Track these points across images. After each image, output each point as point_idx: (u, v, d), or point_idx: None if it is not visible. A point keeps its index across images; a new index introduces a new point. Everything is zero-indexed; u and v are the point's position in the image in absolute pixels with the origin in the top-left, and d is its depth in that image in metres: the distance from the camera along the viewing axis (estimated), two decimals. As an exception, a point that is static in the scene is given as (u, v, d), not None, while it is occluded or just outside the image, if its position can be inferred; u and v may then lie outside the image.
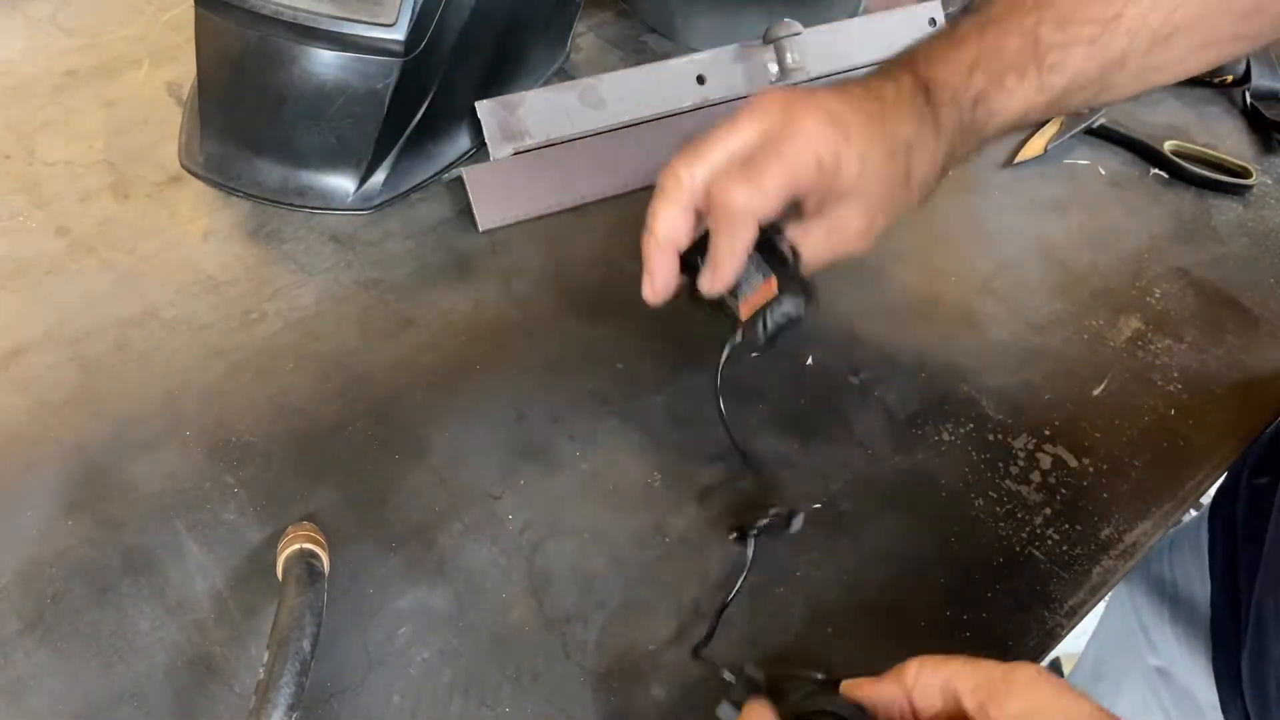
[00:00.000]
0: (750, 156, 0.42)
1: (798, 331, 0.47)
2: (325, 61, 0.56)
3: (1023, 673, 0.31)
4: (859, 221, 0.44)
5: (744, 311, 0.46)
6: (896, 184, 0.44)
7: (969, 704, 0.32)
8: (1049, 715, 0.30)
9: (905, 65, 0.46)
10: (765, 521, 0.45)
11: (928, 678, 0.33)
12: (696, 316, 0.53)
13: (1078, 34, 0.44)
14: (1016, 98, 0.44)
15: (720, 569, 0.46)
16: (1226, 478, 0.57)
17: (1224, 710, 0.60)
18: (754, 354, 0.47)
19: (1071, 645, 0.63)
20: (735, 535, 0.46)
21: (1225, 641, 0.60)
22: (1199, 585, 0.64)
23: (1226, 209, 0.68)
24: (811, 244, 0.45)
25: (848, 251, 0.46)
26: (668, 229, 0.44)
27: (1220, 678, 0.60)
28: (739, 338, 0.47)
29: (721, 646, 0.43)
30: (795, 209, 0.45)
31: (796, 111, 0.42)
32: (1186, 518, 0.55)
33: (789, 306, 0.46)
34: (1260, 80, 0.76)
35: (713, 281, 0.44)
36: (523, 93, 0.61)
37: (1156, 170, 0.70)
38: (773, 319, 0.46)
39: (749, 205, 0.41)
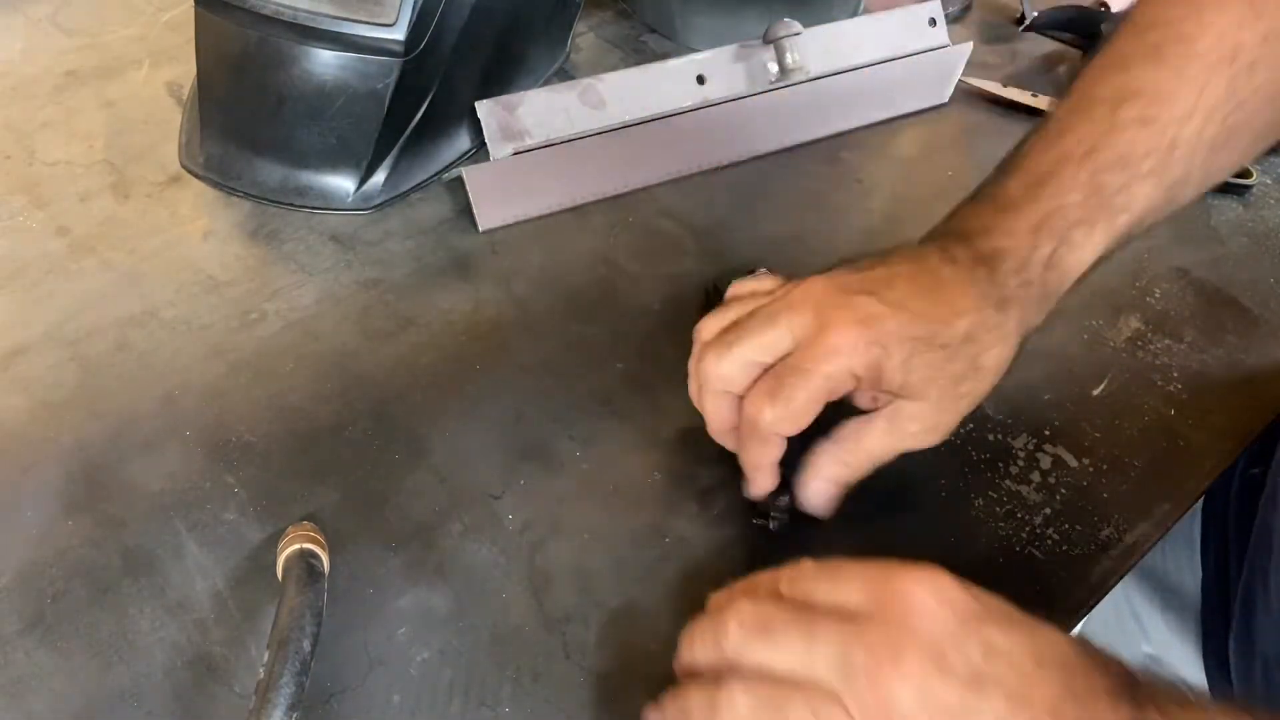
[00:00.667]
0: (779, 370, 0.41)
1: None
2: (325, 61, 0.56)
3: None
4: (918, 422, 0.42)
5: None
6: (959, 378, 0.41)
7: None
8: None
9: (958, 237, 0.43)
10: (786, 500, 0.45)
11: None
12: (696, 317, 0.53)
13: (1138, 170, 0.42)
14: (1087, 250, 0.43)
15: (721, 568, 0.46)
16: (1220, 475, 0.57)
17: (1211, 694, 0.60)
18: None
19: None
20: (759, 519, 0.46)
21: (1215, 630, 0.60)
22: (1189, 575, 0.64)
23: (1226, 209, 0.68)
24: (872, 438, 0.43)
25: (916, 446, 0.43)
26: (719, 420, 0.45)
27: (1209, 666, 0.61)
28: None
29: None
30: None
31: (829, 320, 0.40)
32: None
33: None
34: (1260, 80, 0.76)
35: (750, 489, 0.45)
36: (523, 93, 0.61)
37: (1156, 170, 0.70)
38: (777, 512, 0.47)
39: (776, 427, 0.41)
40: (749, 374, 0.42)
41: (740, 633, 0.34)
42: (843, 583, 0.35)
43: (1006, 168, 0.46)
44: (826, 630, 0.33)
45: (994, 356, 0.42)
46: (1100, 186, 0.42)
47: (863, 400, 0.44)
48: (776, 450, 0.43)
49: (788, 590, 0.36)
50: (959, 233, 0.44)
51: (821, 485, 0.44)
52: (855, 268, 0.43)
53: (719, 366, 0.43)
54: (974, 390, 0.42)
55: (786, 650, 0.33)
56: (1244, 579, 0.55)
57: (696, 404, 0.46)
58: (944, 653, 0.31)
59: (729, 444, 0.46)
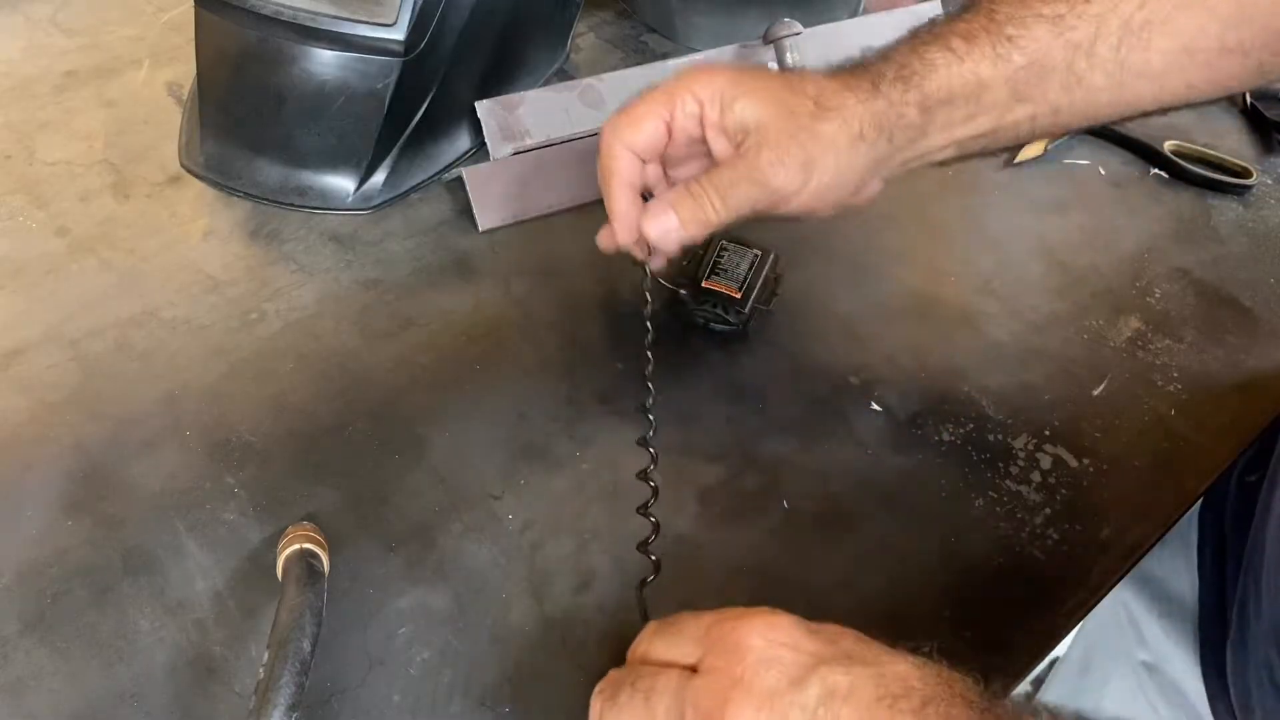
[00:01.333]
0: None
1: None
2: (325, 61, 0.56)
3: None
4: (769, 150, 0.43)
5: (706, 282, 0.54)
6: (795, 110, 0.43)
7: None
8: None
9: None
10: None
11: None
12: (696, 317, 0.54)
13: (1039, 10, 0.42)
14: (965, 62, 0.42)
15: (721, 568, 0.46)
16: (1218, 476, 0.57)
17: (1211, 704, 0.60)
18: (674, 302, 0.53)
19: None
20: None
21: (1212, 637, 0.60)
22: (1186, 581, 0.64)
23: (1226, 209, 0.68)
24: (724, 172, 0.44)
25: (773, 182, 0.44)
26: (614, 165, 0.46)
27: (1207, 673, 0.61)
28: (681, 293, 0.54)
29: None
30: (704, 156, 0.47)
31: (686, 69, 0.45)
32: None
33: (731, 316, 0.54)
34: (1260, 80, 0.76)
35: (614, 231, 0.47)
36: (523, 93, 0.61)
37: (1156, 170, 0.70)
38: (713, 311, 0.54)
39: (616, 135, 0.45)
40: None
41: (599, 705, 0.35)
42: (679, 637, 0.35)
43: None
44: (664, 686, 0.33)
45: (834, 99, 0.43)
46: (993, 12, 0.42)
47: (721, 151, 0.46)
48: (624, 168, 0.45)
49: (639, 654, 0.36)
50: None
51: (666, 218, 0.45)
52: None
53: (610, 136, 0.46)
54: (813, 131, 0.43)
55: (630, 713, 0.34)
56: (1240, 587, 0.55)
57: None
58: (777, 697, 0.30)
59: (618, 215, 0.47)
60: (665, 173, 0.50)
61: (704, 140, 0.46)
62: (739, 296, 0.54)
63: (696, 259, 0.55)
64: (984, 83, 0.42)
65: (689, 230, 0.45)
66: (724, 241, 0.55)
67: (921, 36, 0.44)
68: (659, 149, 0.46)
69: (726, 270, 0.54)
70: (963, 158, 0.47)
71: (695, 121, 0.45)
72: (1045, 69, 0.42)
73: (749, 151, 0.43)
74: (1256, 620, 0.52)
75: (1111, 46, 0.42)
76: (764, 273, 0.54)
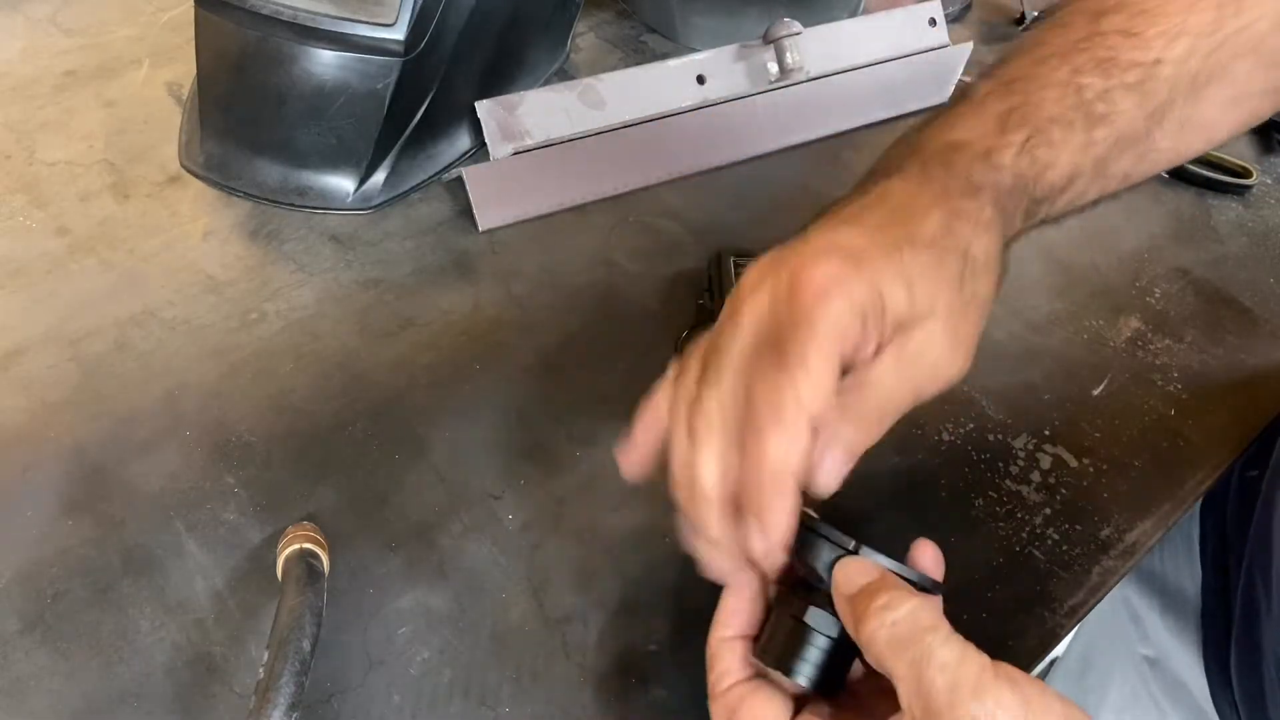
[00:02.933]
0: (773, 339, 0.32)
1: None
2: (325, 61, 0.56)
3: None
4: (934, 344, 0.34)
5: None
6: (957, 278, 0.34)
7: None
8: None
9: (907, 146, 0.38)
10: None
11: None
12: (694, 303, 0.54)
13: (1122, 79, 0.38)
14: (1065, 153, 0.37)
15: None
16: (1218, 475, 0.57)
17: (1214, 701, 0.60)
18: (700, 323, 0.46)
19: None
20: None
21: (1215, 634, 0.60)
22: (1189, 578, 0.64)
23: (1226, 209, 0.68)
24: (883, 381, 0.33)
25: (938, 377, 0.34)
26: (710, 476, 0.33)
27: (1210, 669, 0.61)
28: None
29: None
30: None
31: (805, 269, 0.32)
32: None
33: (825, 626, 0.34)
34: (1260, 80, 0.76)
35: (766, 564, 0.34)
36: (523, 93, 0.61)
37: (1156, 170, 0.70)
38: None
39: (796, 403, 0.31)
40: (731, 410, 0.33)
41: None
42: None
43: (978, 80, 0.40)
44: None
45: (982, 246, 0.35)
46: (1080, 88, 0.38)
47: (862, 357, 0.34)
48: (793, 493, 0.32)
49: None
50: (911, 141, 0.38)
51: (834, 455, 0.33)
52: (799, 243, 0.35)
53: (715, 392, 0.33)
54: (978, 291, 0.35)
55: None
56: (1244, 582, 0.55)
57: (682, 469, 0.35)
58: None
59: (769, 525, 0.32)
60: None
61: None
62: None
63: (714, 281, 0.55)
64: (1077, 172, 0.38)
65: (854, 461, 0.34)
66: (734, 259, 0.55)
67: (1013, 125, 0.37)
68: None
69: None
70: None
71: (857, 341, 0.33)
72: (1128, 142, 0.39)
73: (914, 349, 0.33)
74: (1267, 614, 0.52)
75: (1179, 108, 0.40)
76: None
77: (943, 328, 0.34)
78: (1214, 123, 0.42)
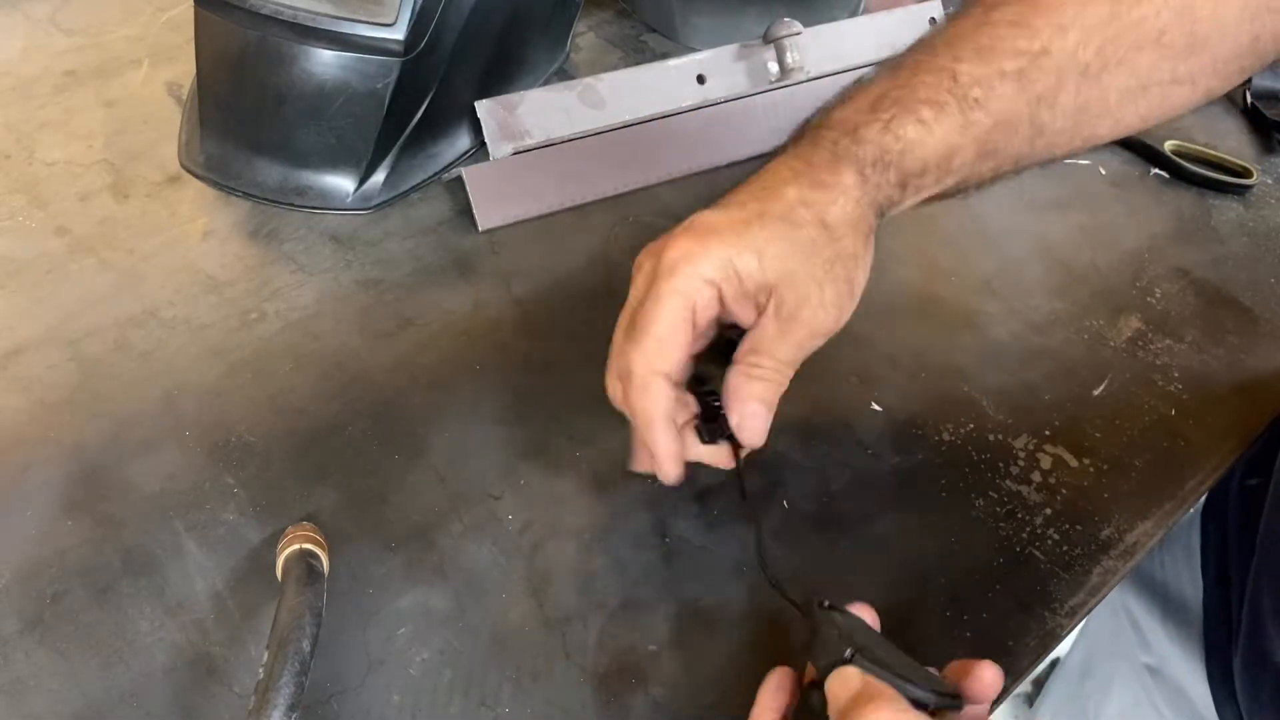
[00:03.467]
0: (635, 313, 0.40)
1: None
2: (325, 61, 0.56)
3: None
4: (803, 304, 0.40)
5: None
6: (814, 245, 0.40)
7: None
8: None
9: (800, 126, 0.43)
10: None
11: None
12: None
13: (1001, 67, 0.40)
14: (936, 133, 0.40)
15: (721, 568, 0.46)
16: (1219, 477, 0.57)
17: (1217, 709, 0.60)
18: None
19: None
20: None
21: (1217, 643, 0.60)
22: (1190, 586, 0.64)
23: (1226, 209, 0.68)
24: (769, 340, 0.41)
25: (815, 331, 0.41)
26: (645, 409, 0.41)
27: (1213, 679, 0.60)
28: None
29: (718, 643, 0.43)
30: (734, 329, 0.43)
31: (662, 249, 0.40)
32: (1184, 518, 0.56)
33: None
34: (1260, 80, 0.76)
35: (660, 468, 0.42)
36: (523, 92, 0.61)
37: (1157, 170, 0.70)
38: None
39: (651, 368, 0.40)
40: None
41: None
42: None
43: (877, 66, 0.44)
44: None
45: (840, 211, 0.40)
46: (955, 73, 0.40)
47: (747, 319, 0.42)
48: (663, 401, 0.40)
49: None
50: (803, 123, 0.43)
51: (750, 409, 0.41)
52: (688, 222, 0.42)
53: (620, 363, 0.41)
54: (840, 252, 0.40)
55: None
56: (1249, 591, 0.55)
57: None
58: None
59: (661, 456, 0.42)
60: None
61: (722, 315, 0.42)
62: None
63: None
64: (954, 149, 0.41)
65: (772, 409, 0.42)
66: None
67: (884, 105, 0.41)
68: (688, 356, 0.42)
69: None
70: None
71: (715, 304, 0.40)
72: (1011, 125, 0.41)
73: (788, 309, 0.40)
74: (1274, 621, 0.51)
75: (1071, 94, 0.41)
76: None
77: (804, 287, 0.40)
78: (1117, 109, 0.43)
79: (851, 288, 0.41)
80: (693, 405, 0.44)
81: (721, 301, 0.40)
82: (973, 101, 0.40)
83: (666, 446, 0.41)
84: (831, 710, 0.33)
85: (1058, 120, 0.42)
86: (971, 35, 0.41)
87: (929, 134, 0.40)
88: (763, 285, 0.40)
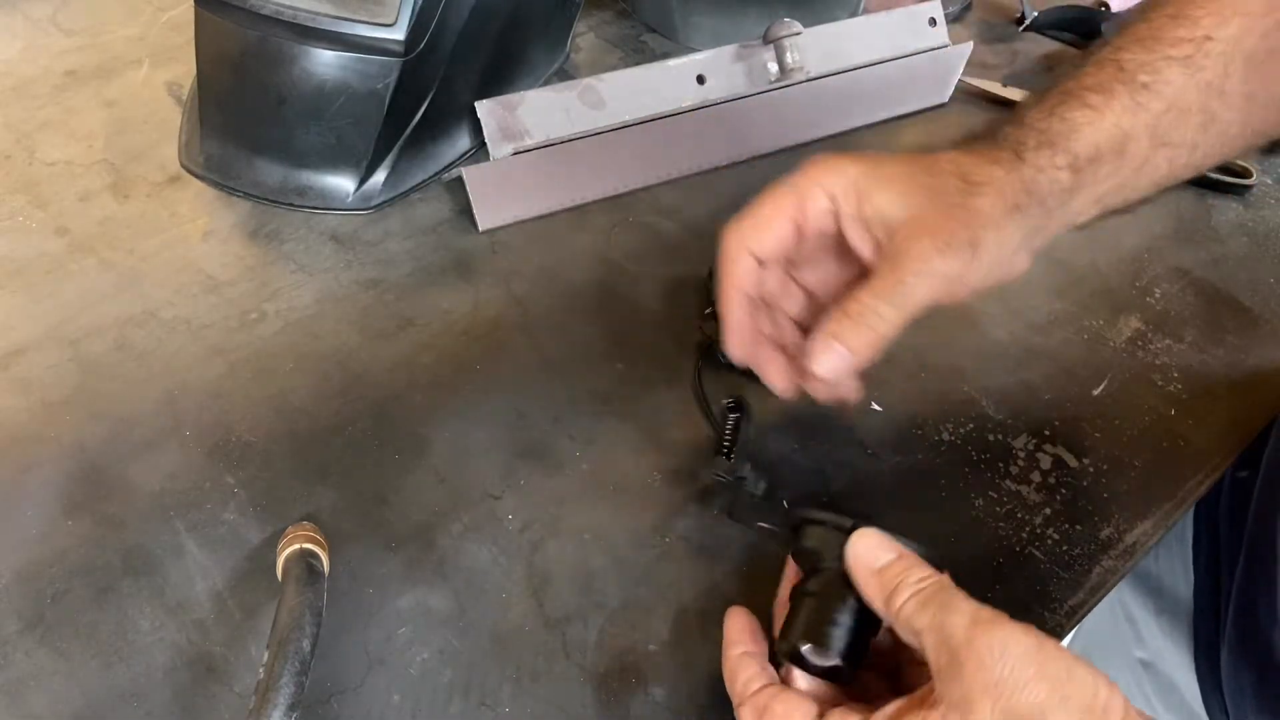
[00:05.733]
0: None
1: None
2: (325, 61, 0.56)
3: None
4: (925, 238, 0.39)
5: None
6: (946, 193, 0.39)
7: None
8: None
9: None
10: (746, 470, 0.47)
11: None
12: (696, 303, 0.53)
13: (1167, 53, 0.41)
14: (1107, 118, 0.40)
15: (721, 568, 0.46)
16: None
17: (1205, 704, 0.60)
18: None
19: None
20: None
21: (1206, 636, 0.60)
22: (1183, 579, 0.64)
23: (1226, 209, 0.68)
24: (879, 281, 0.39)
25: (937, 273, 0.39)
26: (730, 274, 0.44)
27: (1200, 669, 0.61)
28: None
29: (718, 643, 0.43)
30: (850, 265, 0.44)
31: (812, 162, 0.42)
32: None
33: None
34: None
35: (725, 331, 0.44)
36: (523, 93, 0.61)
37: (1156, 170, 0.70)
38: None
39: (740, 239, 0.42)
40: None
41: None
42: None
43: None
44: None
45: (983, 174, 0.40)
46: (1120, 62, 0.41)
47: (863, 249, 0.42)
48: (742, 274, 0.42)
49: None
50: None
51: (832, 353, 0.40)
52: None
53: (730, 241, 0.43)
54: (969, 204, 0.39)
55: None
56: (1239, 584, 0.55)
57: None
58: None
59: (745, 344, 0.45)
60: (791, 277, 0.46)
61: (837, 236, 0.42)
62: None
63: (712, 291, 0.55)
64: (1128, 134, 0.40)
65: (863, 356, 0.40)
66: None
67: (1050, 98, 0.41)
68: (787, 252, 0.43)
69: None
70: (1102, 216, 0.44)
71: (829, 218, 0.41)
72: (1181, 112, 0.41)
73: (905, 244, 0.39)
74: (1270, 619, 0.51)
75: (1238, 82, 0.41)
76: None
77: (934, 220, 0.39)
78: (1274, 102, 0.43)
79: (975, 250, 0.39)
80: (788, 304, 0.47)
81: (837, 218, 0.41)
82: (1141, 85, 0.40)
83: (733, 318, 0.43)
84: (868, 570, 0.36)
85: (1227, 109, 0.42)
86: (1131, 31, 0.42)
87: (1099, 117, 0.40)
88: (883, 218, 0.40)
